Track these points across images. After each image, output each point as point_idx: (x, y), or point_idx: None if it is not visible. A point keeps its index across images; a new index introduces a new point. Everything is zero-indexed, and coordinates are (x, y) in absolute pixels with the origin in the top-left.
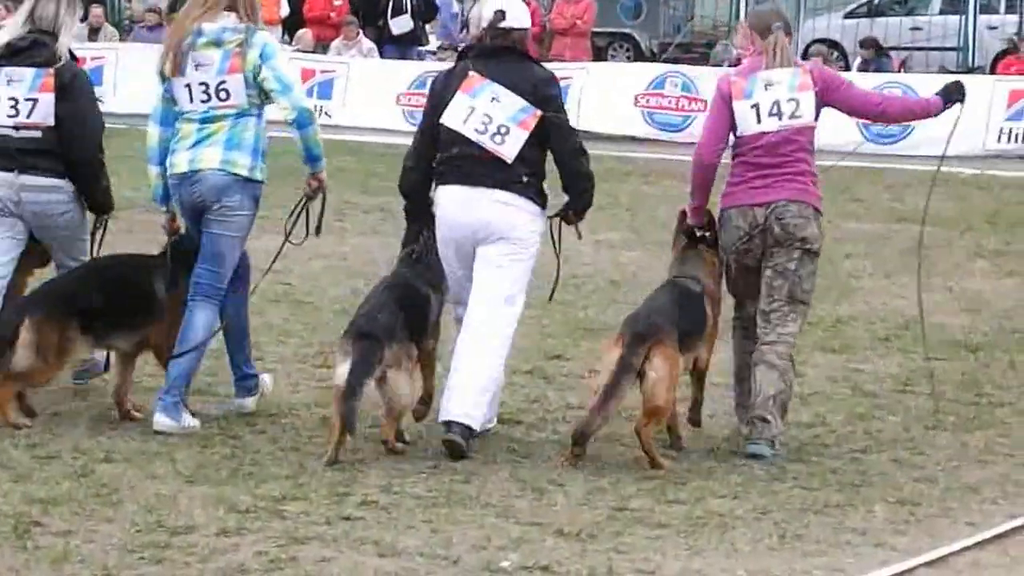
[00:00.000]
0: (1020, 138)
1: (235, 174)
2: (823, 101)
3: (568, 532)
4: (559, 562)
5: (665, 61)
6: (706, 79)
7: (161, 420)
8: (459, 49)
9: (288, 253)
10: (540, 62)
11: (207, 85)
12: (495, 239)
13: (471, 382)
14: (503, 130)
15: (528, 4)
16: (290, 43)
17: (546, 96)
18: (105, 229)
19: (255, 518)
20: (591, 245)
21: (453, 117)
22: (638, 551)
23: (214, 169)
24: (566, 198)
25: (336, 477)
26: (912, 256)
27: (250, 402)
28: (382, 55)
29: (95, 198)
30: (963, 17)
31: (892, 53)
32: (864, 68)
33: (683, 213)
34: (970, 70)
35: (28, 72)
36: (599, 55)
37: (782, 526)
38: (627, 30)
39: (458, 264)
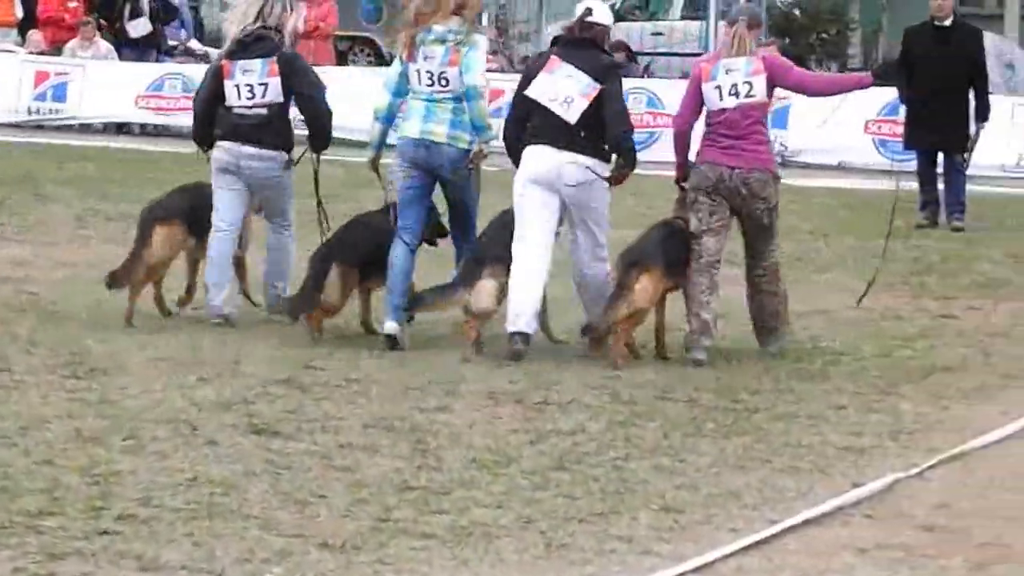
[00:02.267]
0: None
1: (459, 148)
2: (773, 83)
3: (332, 544)
4: (324, 574)
5: None
6: None
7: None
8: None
9: (32, 261)
10: (611, 54)
11: (432, 73)
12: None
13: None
14: (569, 99)
15: None
16: (23, 45)
17: (605, 75)
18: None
19: (11, 533)
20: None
21: (535, 90)
22: (404, 562)
23: (442, 143)
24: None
25: (92, 491)
26: None
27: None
28: (120, 57)
29: (325, 140)
30: (703, 23)
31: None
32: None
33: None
34: None
35: (257, 63)
36: (341, 59)
37: (548, 535)
38: (368, 34)
39: (539, 201)
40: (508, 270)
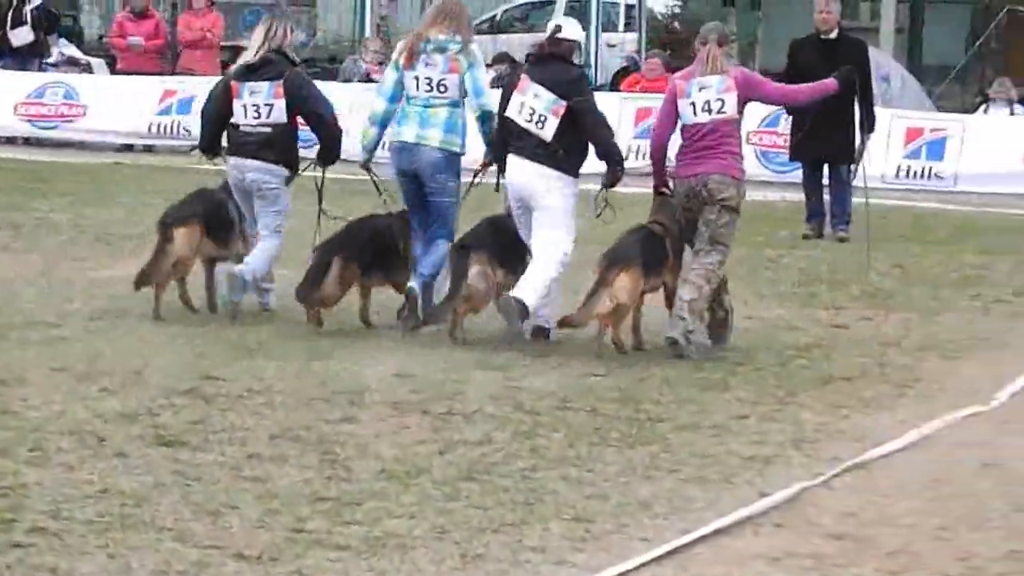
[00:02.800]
0: (645, 155)
1: (450, 151)
2: (747, 98)
3: (248, 555)
4: None
5: None
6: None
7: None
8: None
9: None
10: (579, 66)
11: (431, 80)
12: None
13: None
14: (542, 118)
15: (151, 16)
16: None
17: (570, 90)
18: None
19: None
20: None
21: (511, 110)
22: (321, 572)
23: (435, 146)
24: None
25: (0, 503)
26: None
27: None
28: (2, 66)
29: (333, 155)
30: (584, 35)
31: None
32: (496, 84)
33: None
34: (595, 88)
35: (264, 85)
36: (224, 69)
37: (463, 546)
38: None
39: (520, 211)
40: (494, 258)
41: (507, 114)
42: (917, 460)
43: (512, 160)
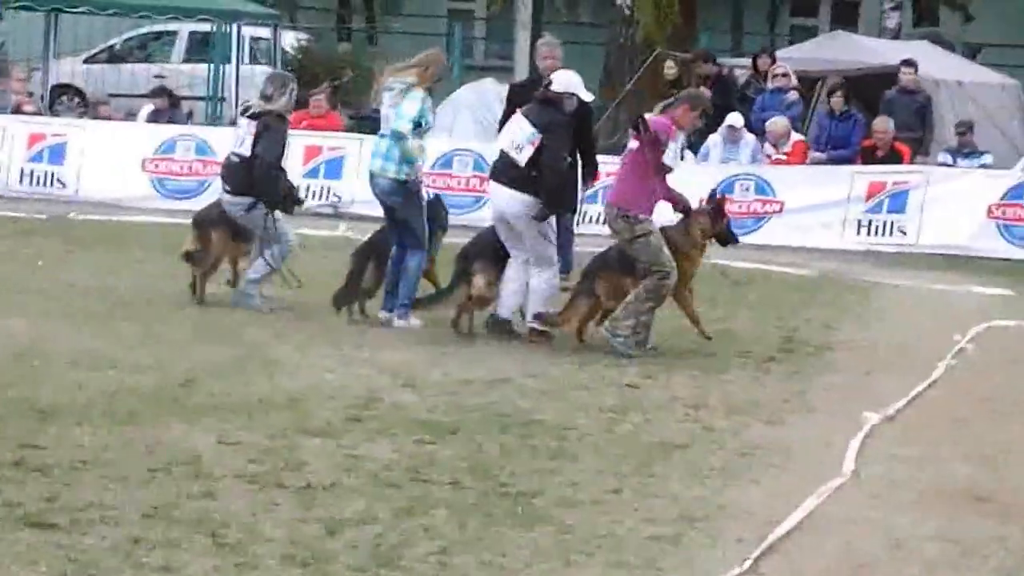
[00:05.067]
0: (332, 193)
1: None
2: None
3: None
4: None
5: None
6: None
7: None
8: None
9: None
10: (566, 114)
11: (387, 116)
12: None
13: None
14: (520, 146)
15: None
16: None
17: (547, 129)
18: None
19: None
20: None
21: (502, 140)
22: None
23: (377, 173)
24: None
25: None
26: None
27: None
28: None
29: (265, 195)
30: (210, 66)
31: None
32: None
33: None
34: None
35: (248, 122)
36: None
37: None
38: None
39: (504, 232)
40: (493, 266)
41: (499, 144)
42: (824, 542)
43: (492, 186)
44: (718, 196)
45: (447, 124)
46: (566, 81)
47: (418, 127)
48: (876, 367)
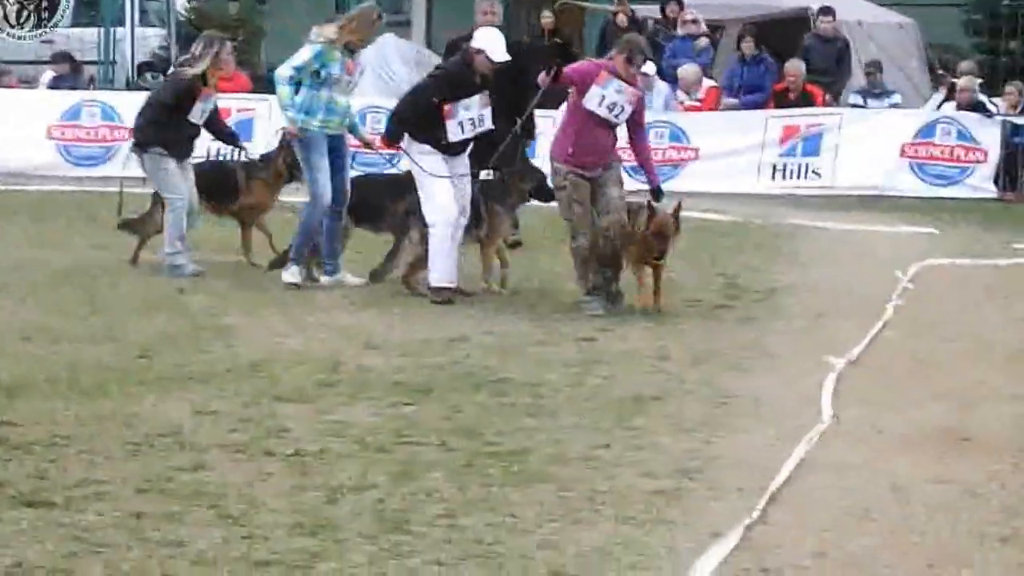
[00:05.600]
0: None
1: None
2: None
3: None
4: None
5: None
6: None
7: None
8: None
9: None
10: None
11: None
12: None
13: None
14: None
15: None
16: None
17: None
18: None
19: None
20: None
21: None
22: None
23: None
24: None
25: None
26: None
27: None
28: None
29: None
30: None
31: None
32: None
33: None
34: None
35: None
36: None
37: None
38: None
39: None
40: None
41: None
42: (824, 488)
43: None
44: None
45: None
46: (482, 39)
47: (317, 76)
48: (825, 310)
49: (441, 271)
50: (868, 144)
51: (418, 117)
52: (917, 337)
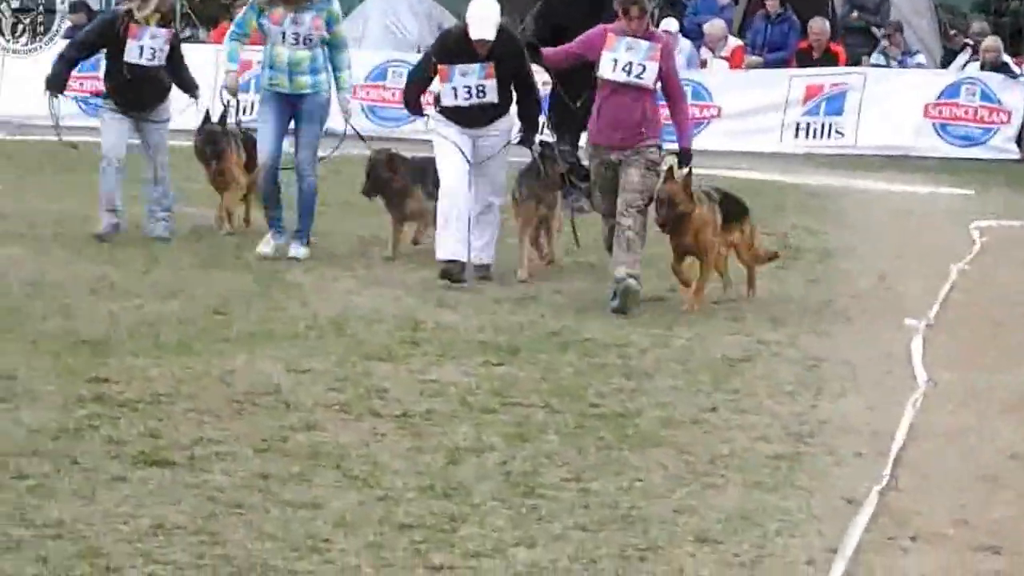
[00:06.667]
0: None
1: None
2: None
3: None
4: None
5: None
6: None
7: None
8: None
9: None
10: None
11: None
12: None
13: None
14: None
15: None
16: None
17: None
18: None
19: None
20: None
21: None
22: None
23: None
24: None
25: None
26: None
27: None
28: None
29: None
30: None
31: None
32: None
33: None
34: None
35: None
36: None
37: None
38: None
39: None
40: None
41: None
42: (942, 454)
43: None
44: None
45: (355, 35)
46: (472, 11)
47: (262, 31)
48: (888, 271)
49: (443, 246)
50: (892, 104)
51: (423, 80)
52: (987, 299)
